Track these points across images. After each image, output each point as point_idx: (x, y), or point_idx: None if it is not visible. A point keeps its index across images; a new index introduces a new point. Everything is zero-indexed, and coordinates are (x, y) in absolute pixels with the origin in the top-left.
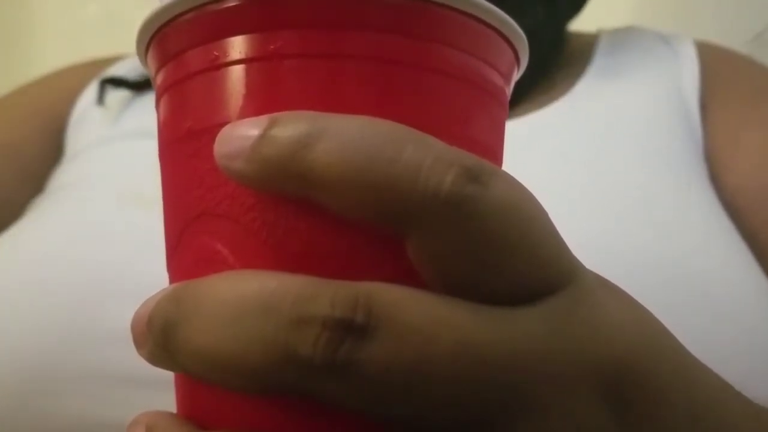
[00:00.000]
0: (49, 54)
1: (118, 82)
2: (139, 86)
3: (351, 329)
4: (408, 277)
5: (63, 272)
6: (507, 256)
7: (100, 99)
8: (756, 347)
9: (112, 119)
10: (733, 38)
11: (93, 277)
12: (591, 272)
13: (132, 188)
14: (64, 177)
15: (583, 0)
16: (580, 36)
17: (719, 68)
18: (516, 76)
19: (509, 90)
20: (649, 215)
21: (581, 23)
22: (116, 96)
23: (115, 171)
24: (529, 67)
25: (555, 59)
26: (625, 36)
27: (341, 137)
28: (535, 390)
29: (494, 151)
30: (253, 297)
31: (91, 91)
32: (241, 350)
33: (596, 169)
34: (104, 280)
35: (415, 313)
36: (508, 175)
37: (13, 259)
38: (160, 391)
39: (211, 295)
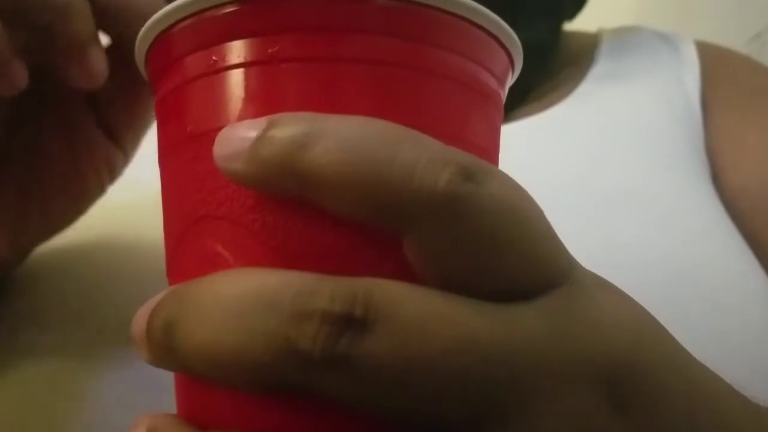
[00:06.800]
0: None
1: None
2: None
3: (350, 323)
4: (406, 275)
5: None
6: (502, 255)
7: None
8: (756, 342)
9: None
10: (733, 38)
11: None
12: (588, 271)
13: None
14: None
15: (582, 3)
16: (581, 35)
17: (719, 68)
18: (511, 80)
19: (504, 93)
20: (651, 213)
21: (581, 23)
22: None
23: None
24: (528, 71)
25: (554, 61)
26: (627, 36)
27: (338, 137)
28: (533, 386)
29: (490, 153)
30: (254, 292)
31: None
32: (241, 345)
33: (599, 169)
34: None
35: (414, 308)
36: (504, 174)
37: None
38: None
39: (211, 292)
